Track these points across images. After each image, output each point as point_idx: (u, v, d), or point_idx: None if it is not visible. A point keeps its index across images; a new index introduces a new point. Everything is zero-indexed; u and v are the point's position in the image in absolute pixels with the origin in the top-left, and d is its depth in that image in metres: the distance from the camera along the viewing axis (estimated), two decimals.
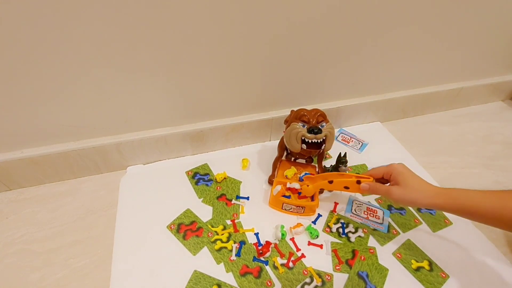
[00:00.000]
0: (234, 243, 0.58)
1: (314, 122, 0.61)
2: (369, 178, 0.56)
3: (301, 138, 0.60)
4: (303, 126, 0.61)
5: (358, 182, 0.56)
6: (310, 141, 0.60)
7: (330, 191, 0.68)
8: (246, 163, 0.74)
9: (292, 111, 0.67)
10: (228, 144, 0.79)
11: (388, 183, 0.55)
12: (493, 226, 0.47)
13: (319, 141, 0.60)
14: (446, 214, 0.66)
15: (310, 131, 0.60)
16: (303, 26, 0.62)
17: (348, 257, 0.57)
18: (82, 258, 0.56)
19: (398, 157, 0.80)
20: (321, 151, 0.64)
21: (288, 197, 0.64)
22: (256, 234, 0.60)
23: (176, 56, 0.59)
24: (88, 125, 0.64)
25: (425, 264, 0.56)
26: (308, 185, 0.62)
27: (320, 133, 0.60)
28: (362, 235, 0.61)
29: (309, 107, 0.65)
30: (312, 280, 0.53)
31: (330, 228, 0.62)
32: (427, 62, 0.84)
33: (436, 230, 0.63)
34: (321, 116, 0.63)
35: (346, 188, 0.58)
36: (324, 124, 0.62)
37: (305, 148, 0.61)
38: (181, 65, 0.61)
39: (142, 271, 0.54)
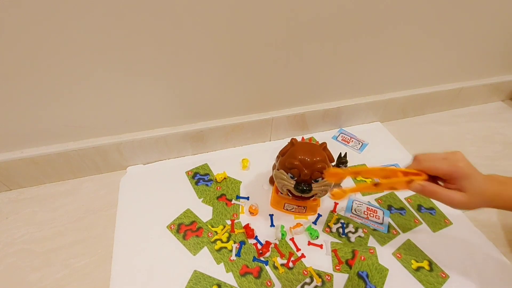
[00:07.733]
0: (234, 243, 0.58)
1: (308, 173, 0.52)
2: (419, 174, 0.45)
3: (287, 190, 0.55)
4: (292, 177, 0.53)
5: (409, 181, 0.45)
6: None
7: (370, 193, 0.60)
8: (246, 163, 0.74)
9: (292, 140, 0.57)
10: (228, 144, 0.79)
11: (441, 182, 0.46)
12: None
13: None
14: (447, 214, 0.66)
15: (297, 186, 0.53)
16: (303, 26, 0.62)
17: (348, 257, 0.57)
18: (82, 258, 0.56)
19: (398, 157, 0.80)
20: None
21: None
22: (256, 237, 0.60)
23: (176, 56, 0.59)
24: (88, 125, 0.64)
25: (425, 264, 0.56)
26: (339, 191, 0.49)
27: (308, 192, 0.53)
28: (362, 235, 0.61)
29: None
30: (312, 280, 0.53)
31: (330, 228, 0.62)
32: (427, 62, 0.84)
33: (436, 230, 0.63)
34: (320, 171, 0.52)
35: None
36: (319, 179, 0.53)
37: (291, 197, 0.57)
38: (181, 65, 0.61)
39: (142, 271, 0.54)
